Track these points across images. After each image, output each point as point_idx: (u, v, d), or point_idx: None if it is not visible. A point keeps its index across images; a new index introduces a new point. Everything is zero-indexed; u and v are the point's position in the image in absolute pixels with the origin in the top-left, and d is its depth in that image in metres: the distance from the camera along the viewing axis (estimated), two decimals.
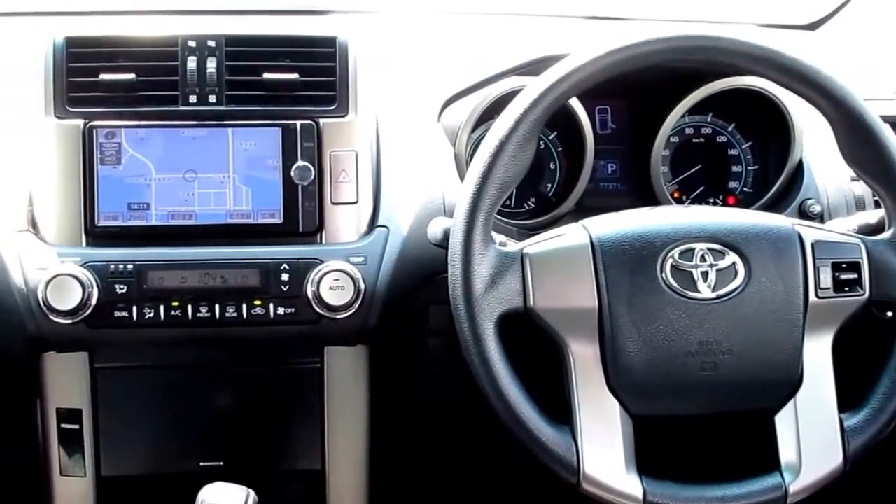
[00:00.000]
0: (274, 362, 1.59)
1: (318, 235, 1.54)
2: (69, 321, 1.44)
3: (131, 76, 1.52)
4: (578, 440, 1.30)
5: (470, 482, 2.04)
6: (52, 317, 1.44)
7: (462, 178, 1.58)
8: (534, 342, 1.35)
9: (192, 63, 1.53)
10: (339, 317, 1.48)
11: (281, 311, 1.49)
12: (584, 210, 1.60)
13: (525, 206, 1.72)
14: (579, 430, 1.30)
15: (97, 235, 1.50)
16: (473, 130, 1.65)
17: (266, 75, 1.54)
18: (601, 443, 1.30)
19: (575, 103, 1.64)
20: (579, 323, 1.31)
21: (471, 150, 1.66)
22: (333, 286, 1.47)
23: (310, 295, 1.48)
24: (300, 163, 1.52)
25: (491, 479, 2.03)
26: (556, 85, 1.32)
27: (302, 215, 1.53)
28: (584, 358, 1.31)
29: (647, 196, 1.71)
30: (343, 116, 1.56)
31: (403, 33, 1.96)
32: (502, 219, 1.62)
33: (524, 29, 2.07)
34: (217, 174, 1.52)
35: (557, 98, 1.32)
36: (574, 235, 1.35)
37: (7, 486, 1.73)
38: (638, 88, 1.67)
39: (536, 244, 1.35)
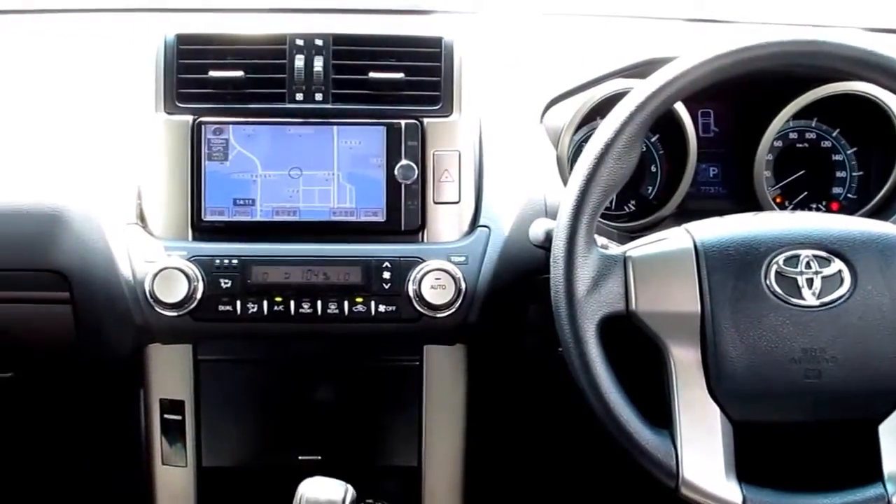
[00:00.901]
0: (373, 359, 1.59)
1: (420, 234, 1.54)
2: (175, 313, 1.47)
3: (240, 73, 1.54)
4: (678, 444, 1.29)
5: (565, 482, 2.04)
6: (158, 309, 1.46)
7: (564, 179, 1.58)
8: (633, 346, 1.33)
9: (299, 61, 1.54)
10: (439, 315, 1.48)
11: (382, 308, 1.49)
12: (684, 214, 1.59)
13: (625, 208, 1.71)
14: (679, 434, 1.29)
15: (203, 230, 1.53)
16: (576, 132, 1.64)
17: (372, 74, 1.55)
18: (701, 448, 1.29)
19: (678, 106, 1.62)
20: (681, 327, 1.30)
21: (573, 151, 1.66)
22: (435, 285, 1.47)
23: (411, 293, 1.48)
24: (404, 162, 1.53)
25: (586, 481, 2.03)
26: (664, 88, 1.31)
27: (404, 214, 1.53)
28: (685, 362, 1.30)
29: (748, 201, 1.69)
30: (447, 116, 1.56)
31: (507, 34, 1.95)
32: (602, 221, 1.61)
33: (626, 31, 2.06)
34: (322, 172, 1.53)
35: (664, 101, 1.31)
36: (677, 239, 1.34)
37: (110, 474, 1.77)
38: (742, 92, 1.65)
39: (639, 247, 1.34)
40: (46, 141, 1.65)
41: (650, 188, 1.71)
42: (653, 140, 1.70)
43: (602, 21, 2.11)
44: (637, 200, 1.70)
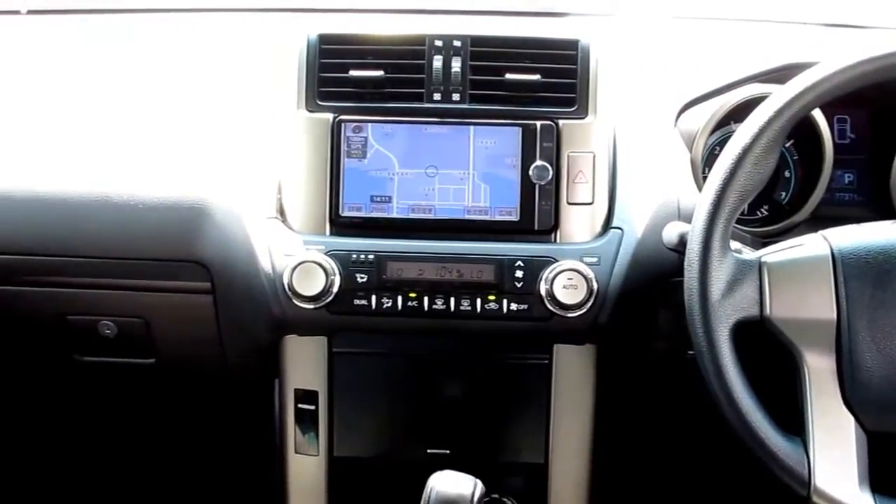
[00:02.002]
0: (503, 356, 1.60)
1: (553, 234, 1.54)
2: (312, 306, 1.49)
3: (379, 73, 1.56)
4: (810, 452, 1.27)
5: (691, 485, 2.02)
6: (295, 301, 1.49)
7: (697, 183, 1.57)
8: (764, 352, 1.31)
9: (437, 62, 1.56)
10: (570, 315, 1.48)
11: (514, 306, 1.50)
12: (818, 220, 1.56)
13: (758, 213, 1.69)
14: (811, 442, 1.27)
15: (340, 225, 1.55)
16: (710, 136, 1.62)
17: (508, 76, 1.55)
18: (834, 457, 1.27)
19: (815, 111, 1.60)
20: (816, 335, 1.29)
21: (707, 155, 1.64)
22: (567, 285, 1.47)
23: (543, 292, 1.48)
24: (538, 162, 1.53)
25: (713, 484, 2.02)
26: (804, 94, 1.29)
27: (538, 214, 1.54)
28: (819, 370, 1.28)
29: (885, 209, 1.64)
30: (582, 118, 1.56)
31: (640, 37, 1.95)
32: (735, 225, 1.59)
33: (760, 35, 2.04)
34: (457, 171, 1.54)
35: (804, 107, 1.30)
36: (814, 246, 1.32)
37: (245, 461, 1.82)
38: (881, 98, 1.62)
39: (775, 253, 1.33)
40: (192, 136, 1.69)
41: (784, 193, 1.69)
42: (787, 145, 1.67)
43: (733, 24, 2.08)
44: (770, 205, 1.68)
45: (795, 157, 1.68)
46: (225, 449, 2.02)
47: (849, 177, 1.73)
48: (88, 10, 2.11)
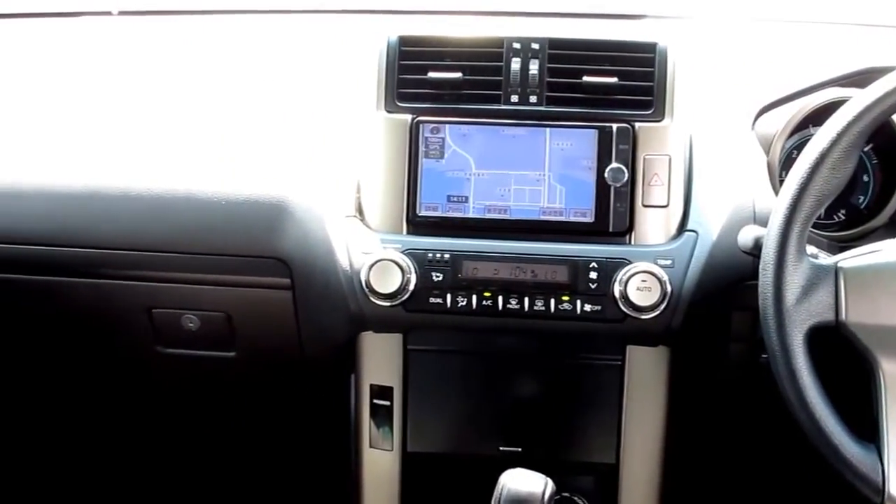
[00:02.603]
0: (576, 356, 1.59)
1: (628, 236, 1.53)
2: (388, 304, 1.50)
3: (458, 75, 1.56)
4: (885, 459, 1.24)
5: (763, 490, 2.00)
6: (372, 298, 1.50)
7: (774, 186, 1.55)
8: (839, 357, 1.29)
9: (515, 64, 1.55)
10: (643, 317, 1.47)
11: (587, 307, 1.49)
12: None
13: (835, 217, 1.65)
14: (886, 449, 1.24)
15: (417, 224, 1.55)
16: (788, 139, 1.59)
17: (586, 78, 1.54)
18: None
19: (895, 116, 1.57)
20: (893, 341, 1.26)
21: (784, 158, 1.61)
22: (640, 287, 1.46)
23: (616, 294, 1.47)
24: (614, 164, 1.52)
25: (785, 489, 1.99)
26: (884, 98, 1.27)
27: (613, 216, 1.52)
28: (895, 376, 1.26)
29: None
30: (659, 121, 1.54)
31: (719, 39, 1.93)
32: (811, 230, 1.57)
33: (840, 38, 2.00)
34: (533, 172, 1.54)
35: (884, 112, 1.27)
36: (892, 252, 1.29)
37: (321, 454, 1.83)
38: None
39: (852, 258, 1.30)
40: (274, 135, 1.71)
41: (861, 198, 1.65)
42: (866, 149, 1.63)
43: (813, 27, 2.05)
44: (847, 210, 1.64)
45: (874, 161, 1.64)
46: (301, 442, 2.04)
47: None
48: (176, 12, 2.14)
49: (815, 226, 1.56)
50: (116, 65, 1.91)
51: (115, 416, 2.15)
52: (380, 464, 1.66)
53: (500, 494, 1.36)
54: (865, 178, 1.65)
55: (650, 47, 1.57)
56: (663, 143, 1.55)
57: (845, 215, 1.66)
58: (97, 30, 2.10)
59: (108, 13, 2.12)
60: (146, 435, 2.20)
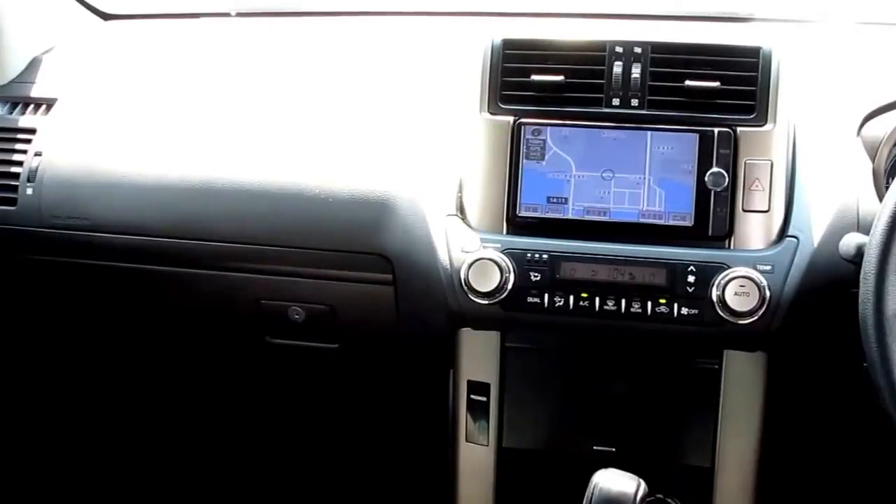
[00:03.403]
0: (672, 358, 1.57)
1: (727, 241, 1.50)
2: (486, 302, 1.50)
3: (560, 78, 1.55)
4: None
5: (859, 499, 1.95)
6: (471, 296, 1.50)
7: (879, 193, 1.50)
8: None
9: (617, 68, 1.54)
10: (741, 322, 1.44)
11: (684, 311, 1.47)
12: None
13: None
14: None
15: (517, 224, 1.54)
16: (895, 146, 1.55)
17: (688, 82, 1.52)
18: None
19: None
20: None
21: (890, 164, 1.56)
22: (739, 292, 1.43)
23: (714, 298, 1.45)
24: (715, 169, 1.49)
25: (882, 499, 1.93)
26: None
27: (712, 220, 1.49)
28: None
29: None
30: (761, 126, 1.51)
31: (826, 43, 1.87)
32: None
33: None
34: (633, 175, 1.52)
35: None
36: None
37: (419, 446, 1.84)
38: None
39: None
40: (380, 134, 1.73)
41: None
42: None
43: None
44: None
45: None
46: (400, 434, 2.06)
47: None
48: (290, 13, 2.17)
49: None
50: (233, 64, 1.95)
51: (225, 402, 2.20)
52: (475, 458, 1.66)
53: (592, 493, 1.35)
54: None
55: (754, 52, 1.53)
56: (765, 148, 1.51)
57: None
58: (216, 30, 2.13)
59: (227, 14, 2.16)
60: (252, 421, 2.23)
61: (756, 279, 1.44)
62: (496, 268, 1.49)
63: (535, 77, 1.56)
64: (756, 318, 1.45)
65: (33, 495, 2.21)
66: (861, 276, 1.26)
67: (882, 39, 1.91)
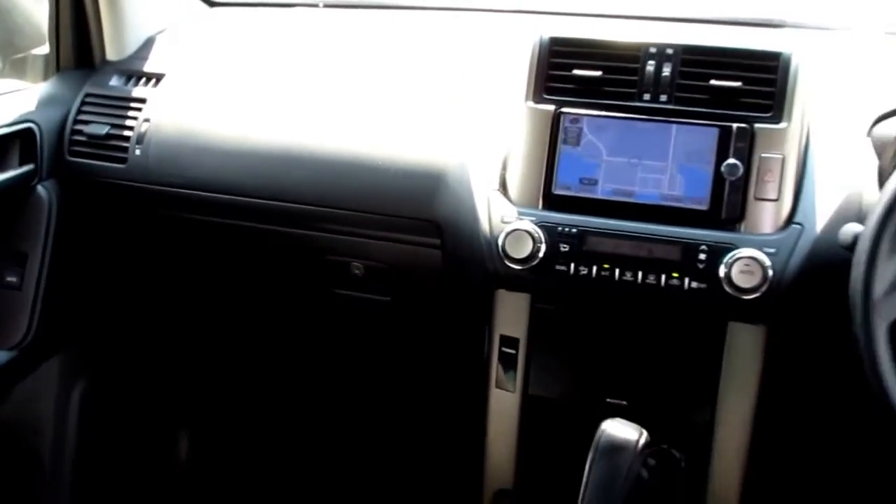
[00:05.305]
0: (682, 326, 1.59)
1: (738, 225, 1.52)
2: (519, 267, 1.54)
3: (598, 73, 1.58)
4: None
5: (844, 465, 1.93)
6: (506, 262, 1.54)
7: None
8: None
9: (650, 67, 1.57)
10: (744, 297, 1.46)
11: (694, 284, 1.49)
12: None
13: None
14: None
15: (552, 201, 1.58)
16: None
17: (712, 81, 1.54)
18: None
19: None
20: None
21: (895, 164, 1.54)
22: (744, 270, 1.45)
23: (722, 274, 1.47)
24: (731, 160, 1.51)
25: (864, 466, 1.91)
26: None
27: (726, 205, 1.52)
28: None
29: None
30: (777, 123, 1.52)
31: (845, 49, 1.85)
32: None
33: None
34: (658, 162, 1.55)
35: None
36: None
37: (457, 391, 1.87)
38: None
39: None
40: (440, 113, 1.78)
41: None
42: None
43: None
44: None
45: None
46: (440, 379, 2.09)
47: None
48: (372, 6, 2.22)
49: None
50: (317, 48, 2.01)
51: (295, 342, 2.26)
52: (503, 402, 1.70)
53: (599, 439, 1.38)
54: None
55: (774, 56, 1.56)
56: (779, 144, 1.53)
57: None
58: (305, 18, 2.20)
59: (315, 5, 2.21)
60: (315, 362, 2.30)
61: (760, 260, 1.46)
62: (530, 238, 1.53)
63: (576, 72, 1.60)
64: (758, 294, 1.47)
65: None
66: (853, 261, 1.29)
67: None
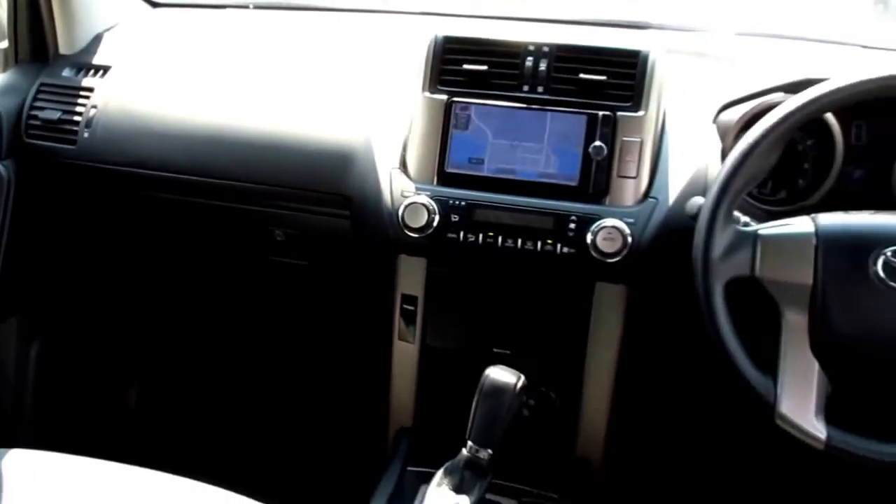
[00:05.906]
0: (556, 285, 1.62)
1: (604, 199, 1.56)
2: (416, 235, 1.57)
3: (485, 67, 1.62)
4: (778, 386, 1.26)
5: (687, 406, 1.97)
6: (405, 231, 1.57)
7: None
8: (753, 309, 1.28)
9: (529, 62, 1.60)
10: (608, 261, 1.51)
11: (566, 250, 1.53)
12: (824, 206, 1.48)
13: (777, 195, 1.59)
14: (780, 378, 1.26)
15: (444, 178, 1.60)
16: (739, 133, 1.56)
17: (582, 75, 1.58)
18: (798, 391, 1.25)
19: (830, 117, 1.56)
20: (795, 295, 1.26)
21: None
22: (607, 237, 1.50)
23: (588, 241, 1.52)
24: (597, 143, 1.55)
25: (703, 408, 1.96)
26: (806, 106, 1.30)
27: (593, 182, 1.56)
28: (794, 324, 1.26)
29: (886, 203, 1.52)
30: (636, 112, 1.57)
31: (699, 47, 1.87)
32: (756, 203, 1.59)
33: (806, 53, 1.90)
34: (535, 144, 1.58)
35: (806, 115, 1.30)
36: (802, 224, 1.31)
37: (365, 343, 1.86)
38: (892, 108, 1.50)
39: (769, 228, 1.32)
40: (351, 99, 1.76)
41: (801, 181, 1.58)
42: (809, 143, 1.59)
43: (785, 43, 1.95)
44: (788, 190, 1.60)
45: (814, 154, 1.58)
46: (352, 333, 2.10)
47: (858, 173, 1.61)
48: (295, 8, 2.22)
49: (762, 200, 1.55)
50: (244, 44, 1.99)
51: (227, 304, 2.30)
52: (405, 352, 1.74)
53: (483, 383, 1.38)
54: (806, 166, 1.62)
55: (634, 54, 1.63)
56: (638, 129, 1.58)
57: (787, 194, 1.65)
58: (236, 19, 2.19)
59: (246, 7, 2.20)
60: (247, 320, 2.32)
61: (621, 228, 1.51)
62: (425, 210, 1.56)
63: (466, 66, 1.63)
64: (620, 258, 1.52)
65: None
66: (695, 228, 1.34)
67: (751, 47, 1.96)
